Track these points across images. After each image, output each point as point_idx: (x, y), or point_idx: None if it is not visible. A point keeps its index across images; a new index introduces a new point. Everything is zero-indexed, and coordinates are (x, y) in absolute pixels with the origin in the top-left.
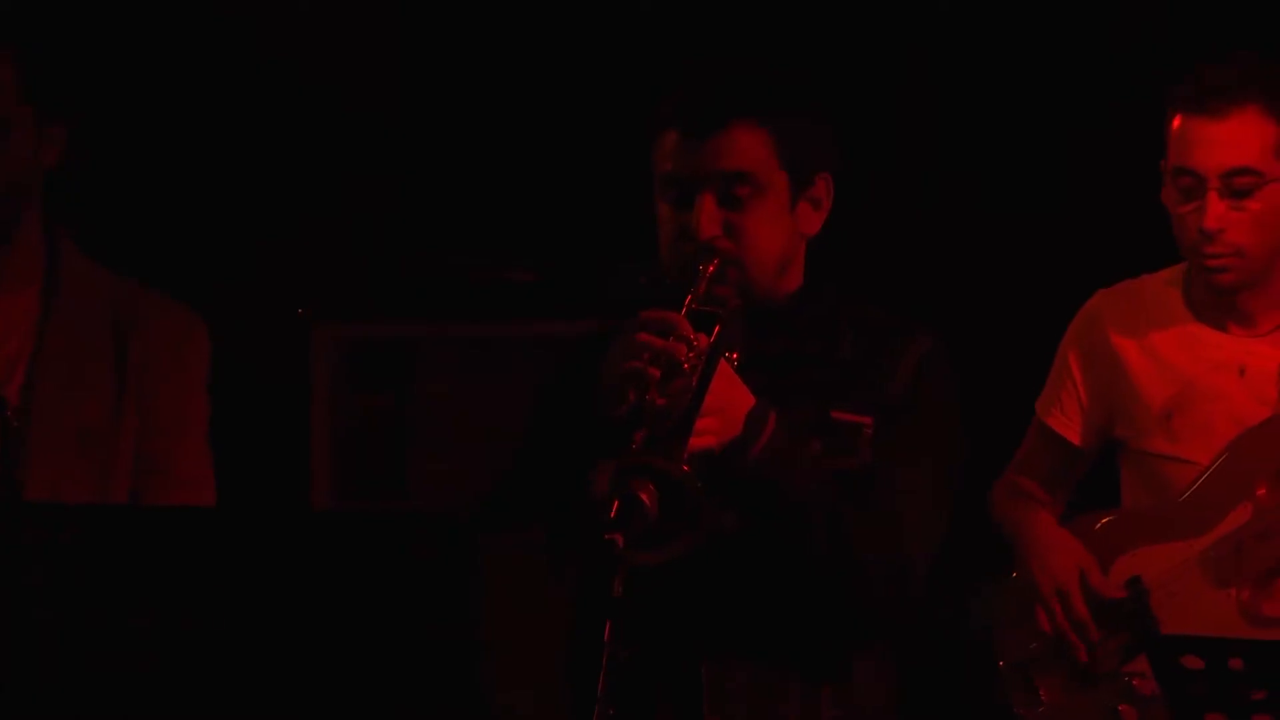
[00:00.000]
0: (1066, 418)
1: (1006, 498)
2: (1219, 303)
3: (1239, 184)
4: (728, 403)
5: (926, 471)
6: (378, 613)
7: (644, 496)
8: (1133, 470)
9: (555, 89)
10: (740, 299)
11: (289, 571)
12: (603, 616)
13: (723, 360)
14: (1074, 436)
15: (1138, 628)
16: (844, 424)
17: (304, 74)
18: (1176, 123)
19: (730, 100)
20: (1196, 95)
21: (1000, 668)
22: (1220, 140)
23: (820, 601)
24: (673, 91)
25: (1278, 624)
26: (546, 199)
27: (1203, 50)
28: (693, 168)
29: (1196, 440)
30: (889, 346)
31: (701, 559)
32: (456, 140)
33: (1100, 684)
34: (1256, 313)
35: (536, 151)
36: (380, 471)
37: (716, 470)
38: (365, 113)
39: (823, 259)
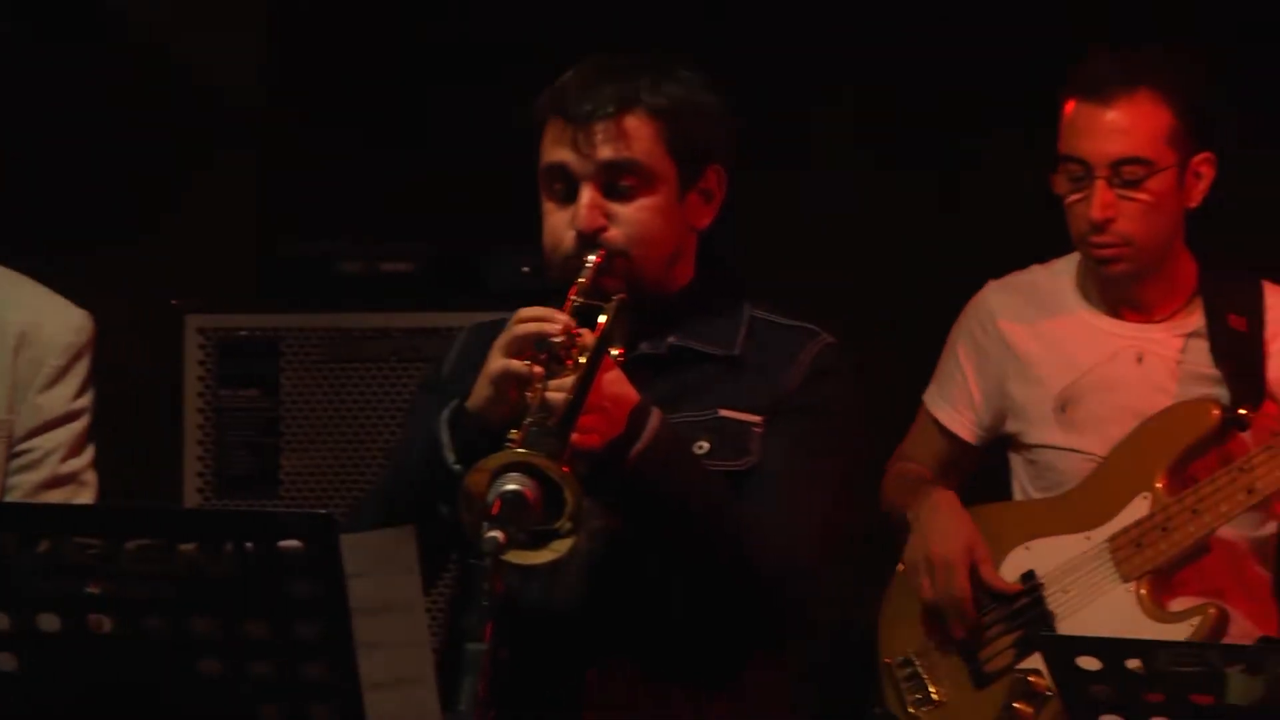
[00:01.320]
0: (957, 413)
1: (897, 482)
2: (1114, 291)
3: (1128, 173)
4: (611, 400)
5: (820, 475)
6: (245, 611)
7: (527, 493)
8: (1025, 464)
9: (426, 75)
10: (627, 292)
11: (158, 569)
12: (482, 617)
13: (607, 356)
14: (964, 432)
15: (1033, 624)
16: (734, 423)
17: (171, 60)
18: (1069, 108)
19: (619, 89)
20: (1088, 79)
21: (885, 665)
22: (1109, 128)
23: (710, 605)
24: (559, 81)
25: (1179, 619)
26: (423, 187)
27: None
28: (579, 157)
29: (1092, 431)
30: (783, 345)
31: (586, 560)
32: (328, 129)
33: (995, 681)
34: (1152, 300)
35: (412, 140)
36: (251, 466)
37: (599, 469)
38: (234, 103)
39: (716, 253)
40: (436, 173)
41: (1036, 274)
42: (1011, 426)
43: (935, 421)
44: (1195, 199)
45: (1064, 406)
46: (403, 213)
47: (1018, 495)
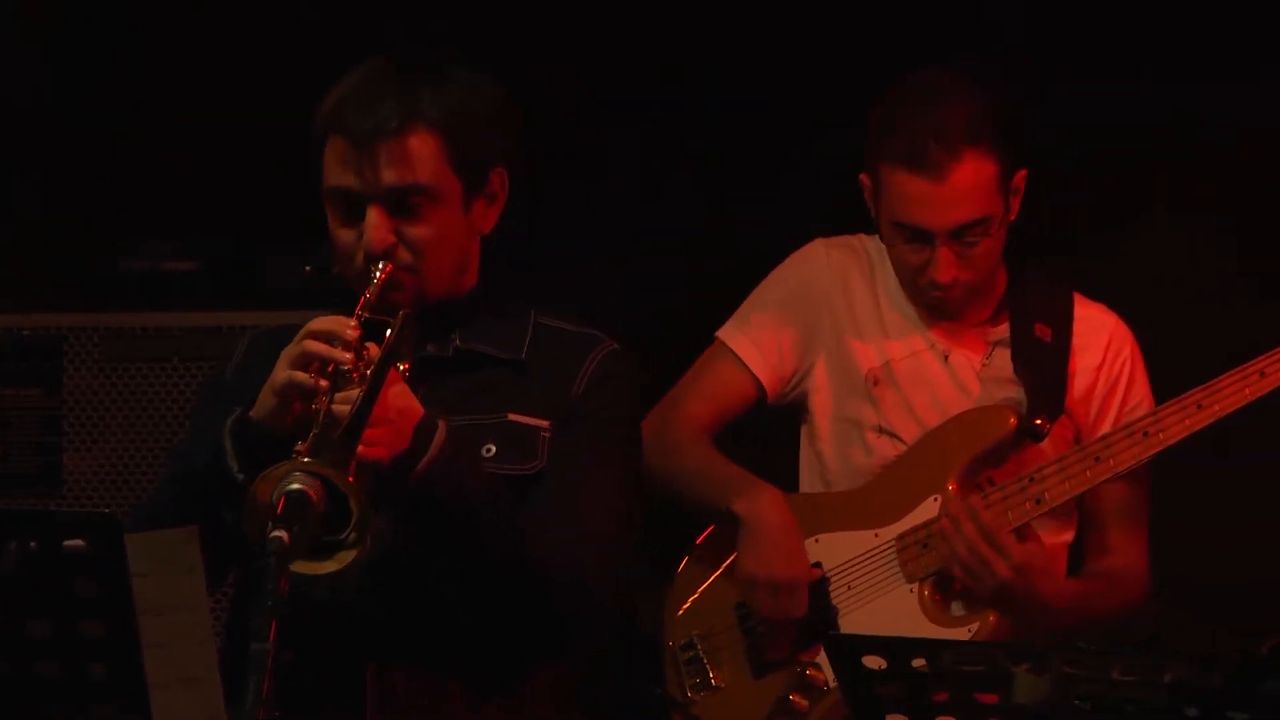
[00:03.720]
0: (761, 355)
1: (694, 446)
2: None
3: (970, 235)
4: (397, 413)
5: (608, 479)
6: (29, 611)
7: (311, 492)
8: (818, 434)
9: (213, 77)
10: (413, 306)
11: None
12: (266, 616)
13: (393, 370)
14: (764, 376)
15: (814, 617)
16: (522, 427)
17: None
18: (887, 173)
19: (399, 104)
20: (906, 149)
21: (668, 648)
22: (945, 200)
23: (497, 611)
24: (336, 92)
25: (959, 623)
26: (205, 186)
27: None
28: (363, 180)
29: (897, 415)
30: (569, 351)
31: (372, 564)
32: (110, 127)
33: (773, 671)
34: (966, 309)
35: (194, 138)
36: (34, 465)
37: (386, 482)
38: (16, 101)
39: (503, 258)
40: (219, 172)
41: (866, 243)
42: (812, 384)
43: (735, 357)
44: (1014, 212)
45: (875, 382)
46: (185, 212)
47: (805, 473)
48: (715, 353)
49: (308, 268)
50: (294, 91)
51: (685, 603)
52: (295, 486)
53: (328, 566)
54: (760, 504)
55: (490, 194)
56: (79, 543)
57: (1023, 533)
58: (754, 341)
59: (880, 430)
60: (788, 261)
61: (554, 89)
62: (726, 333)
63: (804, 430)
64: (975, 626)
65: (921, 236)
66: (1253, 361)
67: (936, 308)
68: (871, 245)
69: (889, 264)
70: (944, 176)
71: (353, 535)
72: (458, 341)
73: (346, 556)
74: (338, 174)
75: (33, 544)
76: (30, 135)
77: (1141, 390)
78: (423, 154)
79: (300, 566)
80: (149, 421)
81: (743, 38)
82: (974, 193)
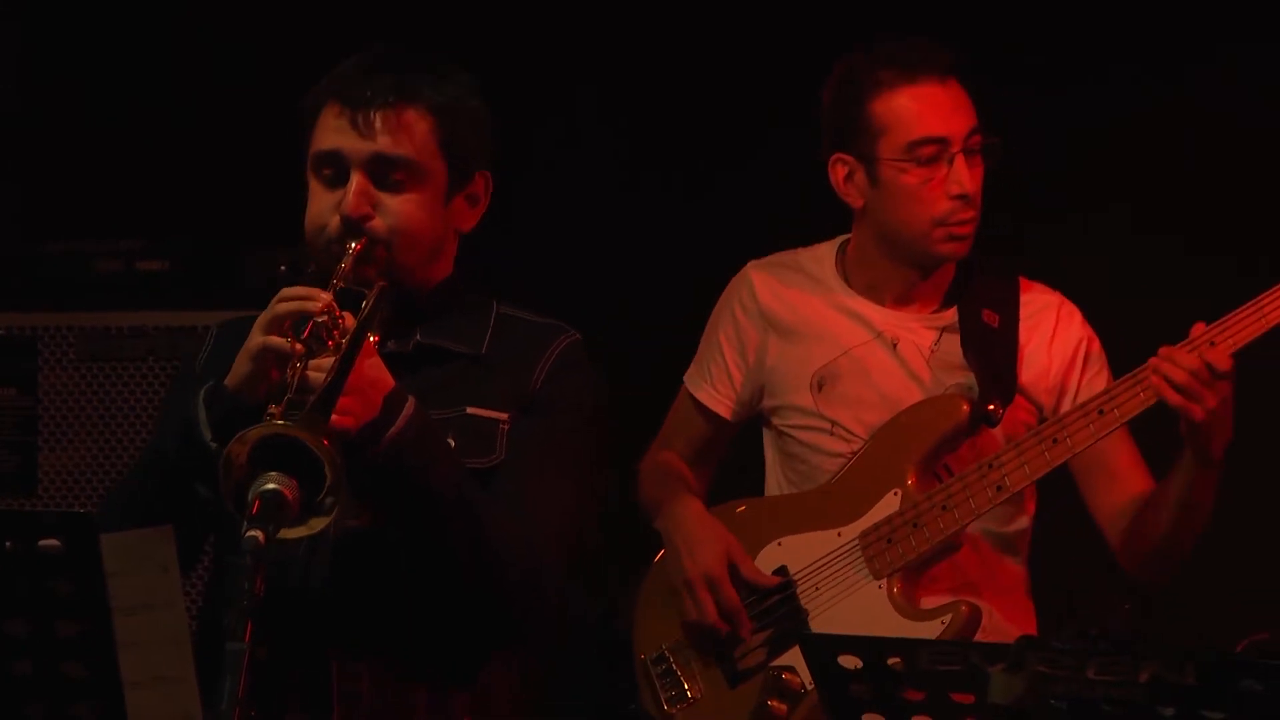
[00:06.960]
0: (716, 392)
1: (654, 478)
2: (877, 278)
3: (974, 144)
4: (369, 383)
5: (564, 471)
6: (5, 610)
7: (286, 492)
8: (781, 443)
9: (188, 75)
10: (386, 281)
11: None
12: (241, 616)
13: (366, 341)
14: (723, 410)
15: (784, 621)
16: (481, 420)
17: None
18: (885, 103)
19: (400, 80)
20: (908, 68)
21: (640, 661)
22: (954, 104)
23: (454, 600)
24: (339, 67)
25: (930, 616)
26: (179, 185)
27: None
28: (352, 144)
29: (847, 411)
30: (529, 341)
31: (334, 552)
32: (83, 127)
33: (749, 679)
34: (917, 293)
35: (167, 138)
36: (9, 465)
37: (352, 452)
38: None
39: (472, 253)
40: (193, 170)
41: (799, 255)
42: (769, 402)
43: (695, 401)
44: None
45: (821, 384)
46: (159, 211)
47: (771, 477)
48: (683, 396)
49: (282, 266)
50: (270, 90)
51: (654, 613)
52: (270, 487)
53: (299, 531)
54: (673, 519)
55: (473, 195)
56: (54, 542)
57: (953, 543)
58: (709, 381)
59: (833, 431)
60: (726, 291)
61: (535, 86)
62: (689, 377)
63: (766, 436)
64: (948, 619)
65: (940, 149)
66: (1202, 332)
67: (948, 251)
68: (805, 255)
69: (828, 268)
70: (947, 80)
71: (327, 500)
72: (418, 337)
73: (318, 523)
74: (328, 137)
75: (8, 543)
76: (3, 135)
77: (1098, 363)
78: (416, 128)
79: None
80: (124, 420)
81: (728, 34)
82: (968, 105)
